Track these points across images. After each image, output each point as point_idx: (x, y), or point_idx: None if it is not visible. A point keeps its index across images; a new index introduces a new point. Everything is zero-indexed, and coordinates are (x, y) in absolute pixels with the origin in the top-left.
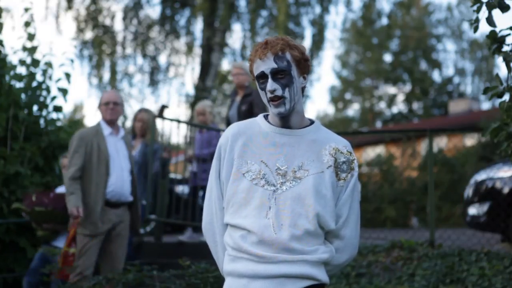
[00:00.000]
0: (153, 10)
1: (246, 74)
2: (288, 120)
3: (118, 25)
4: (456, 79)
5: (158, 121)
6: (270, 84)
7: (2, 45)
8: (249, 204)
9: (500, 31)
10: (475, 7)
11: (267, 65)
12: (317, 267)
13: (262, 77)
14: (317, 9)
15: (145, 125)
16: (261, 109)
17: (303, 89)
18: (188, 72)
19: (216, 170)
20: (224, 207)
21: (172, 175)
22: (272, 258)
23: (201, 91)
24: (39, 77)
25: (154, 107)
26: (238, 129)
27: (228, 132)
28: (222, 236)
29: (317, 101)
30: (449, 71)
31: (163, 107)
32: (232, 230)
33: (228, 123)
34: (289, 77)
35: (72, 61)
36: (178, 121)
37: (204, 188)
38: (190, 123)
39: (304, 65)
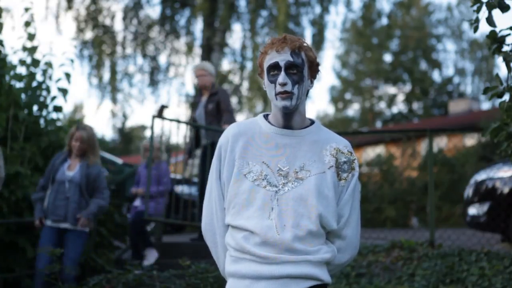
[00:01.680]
0: (153, 10)
1: (209, 75)
2: (290, 119)
3: (118, 25)
4: (456, 79)
5: (158, 121)
6: (283, 77)
7: (2, 45)
8: (251, 205)
9: (500, 31)
10: (475, 7)
11: (283, 57)
12: (320, 267)
13: (274, 68)
14: (317, 9)
15: (84, 145)
16: (228, 106)
17: (307, 91)
18: (188, 72)
19: (217, 171)
20: (225, 208)
21: (171, 175)
22: (275, 258)
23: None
24: (39, 77)
25: (154, 107)
26: (238, 130)
27: (228, 132)
28: (223, 237)
29: (317, 101)
30: (449, 71)
31: (163, 107)
32: (234, 231)
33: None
34: (300, 75)
35: (72, 61)
36: (178, 121)
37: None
38: (189, 123)
39: (315, 69)
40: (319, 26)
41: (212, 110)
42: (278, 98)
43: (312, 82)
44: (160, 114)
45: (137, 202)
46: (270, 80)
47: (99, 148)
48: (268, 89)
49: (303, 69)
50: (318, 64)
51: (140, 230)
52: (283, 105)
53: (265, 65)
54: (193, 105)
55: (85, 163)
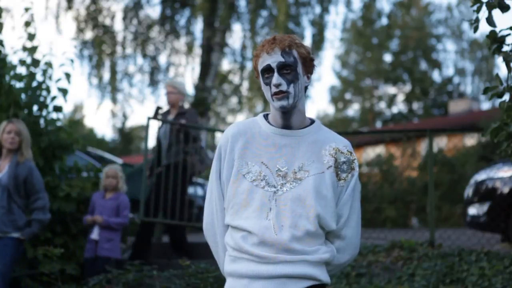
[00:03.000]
0: (153, 10)
1: (178, 93)
2: (289, 119)
3: (118, 25)
4: (456, 79)
5: (153, 123)
6: (276, 78)
7: (2, 45)
8: (250, 205)
9: (500, 31)
10: (475, 7)
11: (274, 59)
12: (318, 267)
13: (268, 71)
14: (317, 9)
15: (18, 137)
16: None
17: (305, 88)
18: (188, 72)
19: (217, 171)
20: (225, 208)
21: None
22: (273, 258)
23: (201, 91)
24: (39, 77)
25: (153, 107)
26: (238, 130)
27: (228, 132)
28: (223, 236)
29: (317, 101)
30: (449, 71)
31: (158, 109)
32: (233, 231)
33: (159, 142)
34: (294, 73)
35: (72, 61)
36: (172, 123)
37: (106, 259)
38: (184, 124)
39: (310, 65)
40: (319, 26)
41: (178, 130)
42: (275, 98)
43: (309, 78)
44: (155, 116)
45: (94, 234)
46: (265, 82)
47: (30, 145)
48: (265, 91)
49: (296, 67)
50: (312, 59)
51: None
52: (280, 105)
53: (259, 68)
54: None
55: (14, 163)
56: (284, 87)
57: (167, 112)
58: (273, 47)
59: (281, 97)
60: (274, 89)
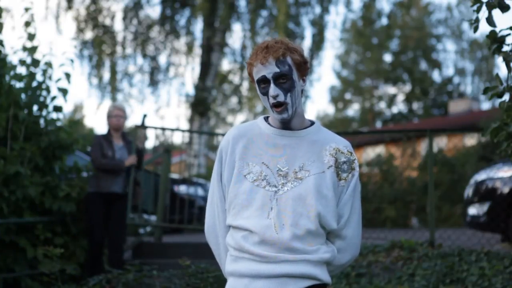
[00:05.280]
0: (153, 10)
1: (124, 117)
2: (290, 123)
3: (118, 25)
4: (456, 79)
5: (141, 130)
6: (273, 89)
7: (2, 45)
8: (251, 205)
9: (500, 31)
10: (475, 7)
11: (268, 69)
12: (319, 267)
13: (264, 81)
14: (317, 9)
15: None
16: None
17: (302, 91)
18: (188, 72)
19: (218, 173)
20: (226, 209)
21: (172, 175)
22: (273, 257)
23: (201, 91)
24: (39, 77)
25: (153, 107)
26: (238, 132)
27: (229, 134)
28: (225, 238)
29: (317, 101)
30: (449, 71)
31: (145, 117)
32: (234, 231)
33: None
34: (290, 82)
35: (72, 61)
36: (162, 128)
37: None
38: (173, 129)
39: (304, 68)
40: (319, 26)
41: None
42: (275, 111)
43: (304, 81)
44: (143, 124)
45: None
46: (262, 92)
47: None
48: (263, 101)
49: (291, 75)
50: (306, 62)
51: None
52: (281, 117)
53: (254, 78)
54: (94, 148)
55: None
56: (281, 98)
57: (110, 135)
58: (267, 57)
59: (280, 110)
60: (272, 100)
